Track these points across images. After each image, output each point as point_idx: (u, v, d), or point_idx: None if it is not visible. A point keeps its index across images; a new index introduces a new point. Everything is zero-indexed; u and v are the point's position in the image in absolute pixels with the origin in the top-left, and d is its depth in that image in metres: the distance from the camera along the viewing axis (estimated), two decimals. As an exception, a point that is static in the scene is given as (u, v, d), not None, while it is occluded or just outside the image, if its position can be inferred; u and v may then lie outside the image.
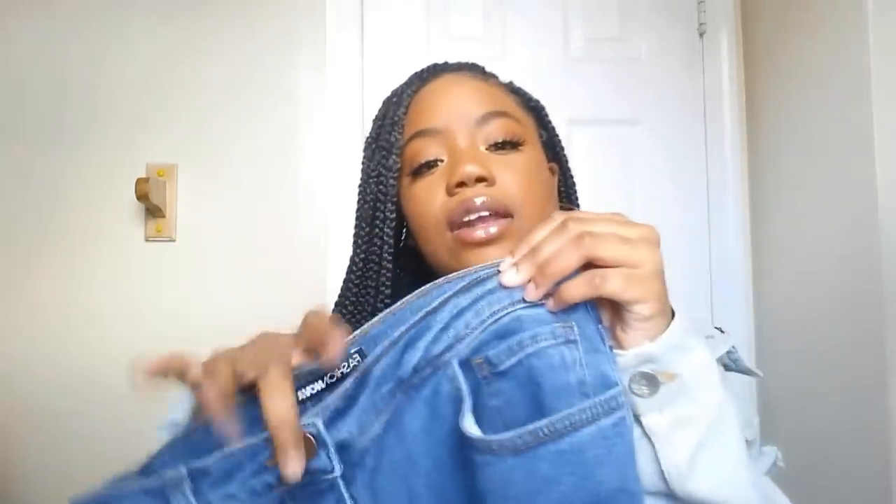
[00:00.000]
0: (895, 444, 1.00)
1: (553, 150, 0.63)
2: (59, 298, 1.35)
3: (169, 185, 1.37)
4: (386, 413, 0.40)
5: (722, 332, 0.55)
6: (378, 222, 0.56)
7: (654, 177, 1.47)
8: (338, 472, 0.38)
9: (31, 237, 1.36)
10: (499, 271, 0.40)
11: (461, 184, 0.50)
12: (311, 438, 0.37)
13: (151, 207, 1.33)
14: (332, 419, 0.39)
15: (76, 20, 1.40)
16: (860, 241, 1.08)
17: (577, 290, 0.38)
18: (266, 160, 1.41)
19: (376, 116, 0.61)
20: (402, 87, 0.60)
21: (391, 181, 0.55)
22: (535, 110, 0.62)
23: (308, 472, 0.37)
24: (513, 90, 0.61)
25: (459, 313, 0.40)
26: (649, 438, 0.39)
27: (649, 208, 1.46)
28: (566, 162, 0.65)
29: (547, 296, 0.39)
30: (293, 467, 0.34)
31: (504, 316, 0.39)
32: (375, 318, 0.41)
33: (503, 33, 1.47)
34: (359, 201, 0.60)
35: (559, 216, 0.41)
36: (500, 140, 0.54)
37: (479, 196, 0.50)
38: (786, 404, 1.29)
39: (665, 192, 1.47)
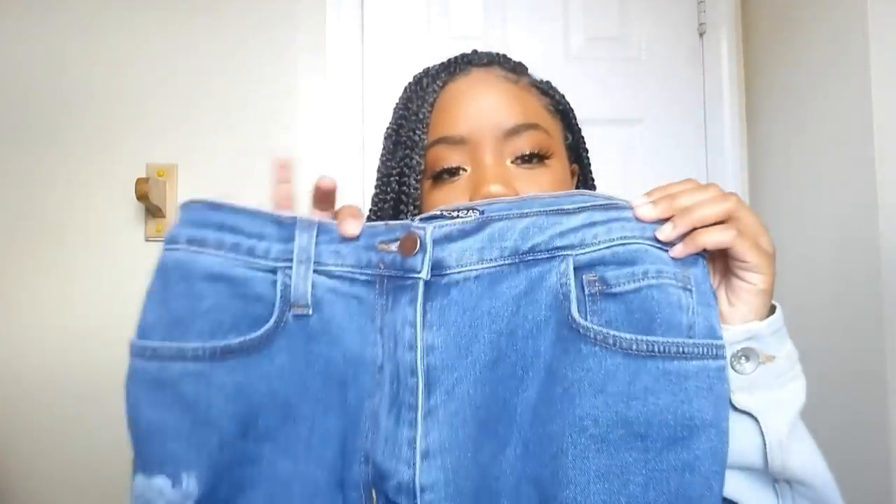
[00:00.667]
0: (895, 445, 1.00)
1: (576, 151, 0.62)
2: (59, 298, 1.35)
3: (169, 185, 1.37)
4: (486, 265, 0.42)
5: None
6: None
7: (654, 177, 1.45)
8: (424, 276, 0.42)
9: (31, 237, 1.36)
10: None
11: None
12: (416, 239, 0.42)
13: (151, 207, 1.33)
14: (442, 239, 0.42)
15: (76, 20, 1.40)
16: (860, 241, 1.08)
17: (713, 236, 0.40)
18: (266, 160, 1.41)
19: (398, 105, 0.59)
20: (426, 78, 0.57)
21: (414, 182, 0.53)
22: (563, 113, 0.60)
23: (402, 266, 0.42)
24: (543, 91, 0.58)
25: (591, 224, 0.42)
26: (748, 413, 0.41)
27: (649, 208, 1.46)
28: (588, 164, 0.64)
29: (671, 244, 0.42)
30: (349, 228, 0.43)
31: (633, 243, 0.41)
32: (501, 197, 0.45)
33: (503, 33, 1.48)
34: (378, 195, 0.58)
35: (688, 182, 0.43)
36: (527, 153, 0.52)
37: None
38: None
39: (665, 192, 1.47)
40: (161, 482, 0.40)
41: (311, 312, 0.43)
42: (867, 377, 1.05)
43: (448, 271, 0.42)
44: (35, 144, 1.37)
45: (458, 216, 0.43)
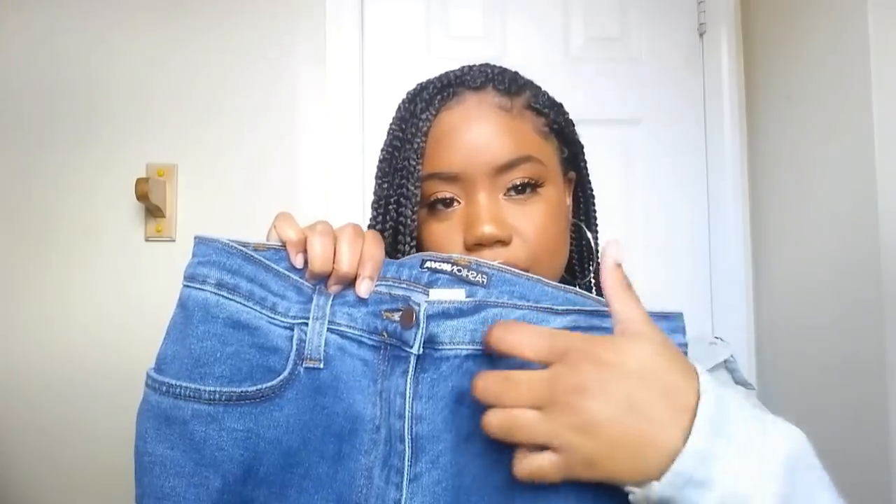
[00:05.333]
0: (895, 444, 1.00)
1: (574, 162, 0.62)
2: (59, 298, 1.35)
3: (169, 185, 1.37)
4: (476, 346, 0.44)
5: (722, 341, 0.55)
6: (399, 255, 0.55)
7: (654, 177, 1.47)
8: (415, 351, 0.44)
9: (31, 237, 1.36)
10: (604, 311, 0.43)
11: (478, 244, 0.51)
12: (413, 313, 0.44)
13: (151, 207, 1.33)
14: (438, 315, 0.44)
15: (75, 19, 1.40)
16: (860, 242, 1.08)
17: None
18: (266, 160, 1.41)
19: (392, 126, 0.59)
20: (421, 103, 0.56)
21: (410, 213, 0.54)
22: (559, 132, 0.59)
23: (400, 337, 0.44)
24: (540, 111, 0.57)
25: (574, 328, 0.44)
26: None
27: (649, 208, 1.46)
28: (587, 175, 0.64)
29: None
30: (364, 289, 0.45)
31: None
32: (509, 268, 0.46)
33: (503, 33, 1.47)
34: (377, 219, 0.58)
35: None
36: (519, 184, 0.53)
37: (496, 258, 0.50)
38: (785, 404, 1.29)
39: (665, 192, 1.47)
40: None
41: (321, 366, 0.45)
42: (867, 377, 1.05)
43: (441, 347, 0.44)
44: (35, 144, 1.37)
45: (463, 273, 0.46)
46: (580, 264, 0.65)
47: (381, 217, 0.57)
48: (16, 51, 1.39)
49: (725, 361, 0.54)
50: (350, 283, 0.46)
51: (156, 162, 1.37)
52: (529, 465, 0.37)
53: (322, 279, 0.46)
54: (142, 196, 1.27)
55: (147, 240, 1.37)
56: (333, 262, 0.45)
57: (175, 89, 1.40)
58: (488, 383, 0.38)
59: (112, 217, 1.37)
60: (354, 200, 1.39)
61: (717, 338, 0.55)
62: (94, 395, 1.33)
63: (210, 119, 1.40)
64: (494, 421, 0.38)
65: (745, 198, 1.46)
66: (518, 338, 0.39)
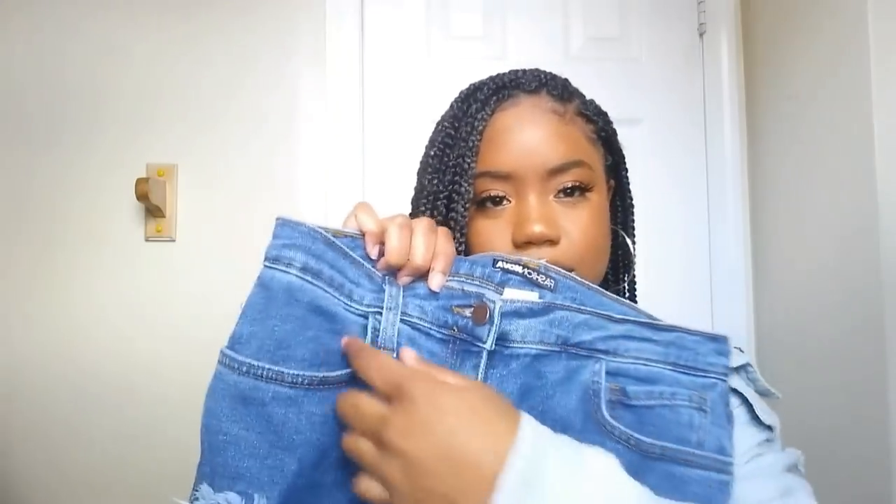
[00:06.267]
0: (895, 444, 1.00)
1: (616, 170, 0.63)
2: (60, 298, 1.35)
3: (169, 185, 1.37)
4: (542, 346, 0.47)
5: (741, 351, 0.55)
6: None
7: (654, 177, 1.47)
8: (488, 347, 0.46)
9: (32, 237, 1.36)
10: (654, 324, 0.47)
11: (528, 242, 0.52)
12: (486, 310, 0.46)
13: (151, 207, 1.33)
14: (511, 314, 0.46)
15: (76, 20, 1.40)
16: (860, 241, 1.08)
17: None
18: (266, 160, 1.41)
19: (444, 123, 0.59)
20: (476, 103, 0.57)
21: (462, 210, 0.54)
22: (606, 139, 0.61)
23: (471, 332, 0.46)
24: (590, 118, 0.59)
25: (628, 337, 0.47)
26: None
27: (649, 208, 1.46)
28: (627, 183, 0.65)
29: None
30: (436, 282, 0.46)
31: (654, 366, 0.47)
32: (575, 276, 0.49)
33: (503, 33, 1.47)
34: (425, 214, 0.58)
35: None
36: (569, 187, 0.54)
37: (542, 257, 0.51)
38: (785, 404, 1.28)
39: (665, 192, 1.47)
40: (231, 498, 0.41)
41: (395, 356, 0.45)
42: (867, 377, 1.05)
43: (511, 344, 0.46)
44: (35, 144, 1.37)
45: (534, 276, 0.48)
46: (614, 272, 0.66)
47: (429, 213, 0.57)
48: (18, 53, 1.39)
49: (746, 371, 0.54)
50: (422, 276, 0.47)
51: (156, 162, 1.38)
52: (362, 488, 0.40)
53: (393, 270, 0.47)
54: (142, 196, 1.27)
55: (147, 240, 1.37)
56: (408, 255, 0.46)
57: (175, 90, 1.40)
58: (344, 404, 0.41)
59: (112, 217, 1.37)
60: (354, 200, 1.38)
61: (735, 347, 0.55)
62: (95, 394, 1.33)
63: (210, 119, 1.40)
64: (345, 443, 0.41)
65: (745, 198, 1.46)
66: (366, 363, 0.41)
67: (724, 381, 0.47)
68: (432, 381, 0.38)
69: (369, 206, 0.48)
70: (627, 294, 0.66)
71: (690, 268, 1.47)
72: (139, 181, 1.27)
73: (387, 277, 0.47)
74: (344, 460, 0.43)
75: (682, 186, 1.48)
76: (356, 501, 0.43)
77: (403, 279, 0.47)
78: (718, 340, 0.47)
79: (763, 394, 0.56)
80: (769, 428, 0.51)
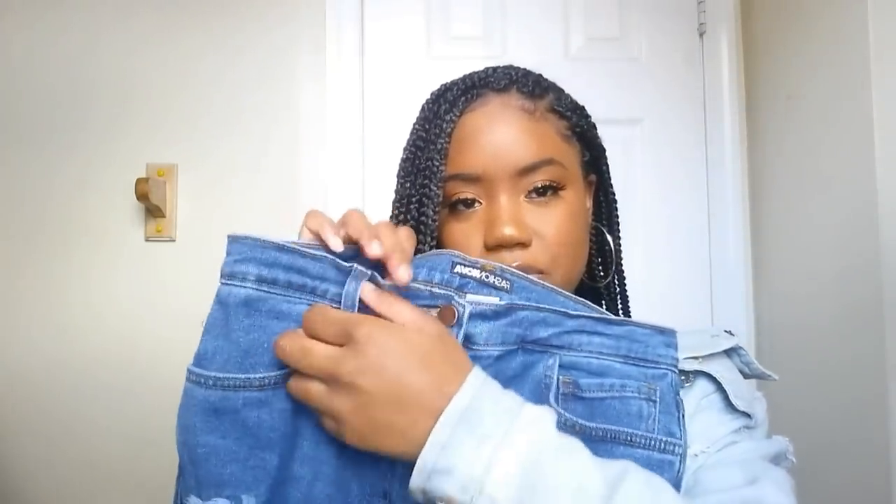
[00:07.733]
0: (895, 443, 1.00)
1: (596, 165, 0.63)
2: (59, 298, 1.35)
3: (169, 185, 1.37)
4: (502, 347, 0.48)
5: (732, 334, 0.55)
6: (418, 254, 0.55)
7: (655, 177, 1.47)
8: None
9: (31, 237, 1.36)
10: (602, 318, 0.49)
11: (499, 245, 0.52)
12: (454, 312, 0.46)
13: (151, 207, 1.33)
14: (476, 317, 0.47)
15: (76, 21, 1.40)
16: (860, 241, 1.08)
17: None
18: (266, 160, 1.41)
19: (415, 126, 0.59)
20: (445, 104, 0.56)
21: (432, 213, 0.54)
22: (582, 135, 0.59)
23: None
24: (563, 114, 0.57)
25: (580, 332, 0.49)
26: None
27: (649, 208, 1.46)
28: (608, 178, 0.64)
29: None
30: (403, 273, 0.43)
31: (605, 359, 0.49)
32: (529, 276, 0.49)
33: (503, 33, 1.48)
34: (398, 218, 0.58)
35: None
36: (541, 186, 0.54)
37: (515, 260, 0.52)
38: (785, 404, 1.28)
39: (665, 192, 1.47)
40: None
41: None
42: (867, 377, 1.05)
43: (474, 346, 0.47)
44: (35, 144, 1.37)
45: (490, 279, 0.49)
46: (601, 267, 0.65)
47: (402, 216, 0.57)
48: (16, 52, 1.39)
49: (738, 354, 0.54)
50: (383, 272, 0.45)
51: (156, 162, 1.38)
52: (323, 424, 0.42)
53: (357, 255, 0.44)
54: (142, 196, 1.27)
55: (147, 240, 1.37)
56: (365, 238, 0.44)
57: (175, 90, 1.40)
58: (291, 347, 0.41)
59: (112, 217, 1.37)
60: (354, 200, 1.39)
61: (726, 331, 0.55)
62: (94, 394, 1.33)
63: (210, 119, 1.40)
64: (293, 387, 0.42)
65: (745, 198, 1.46)
66: (312, 323, 0.41)
67: (675, 371, 0.49)
68: (382, 325, 0.40)
69: (318, 211, 0.47)
70: (617, 290, 0.65)
71: (690, 268, 1.47)
72: (139, 181, 1.27)
73: (354, 270, 0.44)
74: (312, 451, 0.45)
75: (682, 186, 1.48)
76: (327, 495, 0.44)
77: (371, 249, 0.43)
78: (666, 333, 0.49)
79: (758, 376, 0.55)
80: (746, 415, 0.50)
